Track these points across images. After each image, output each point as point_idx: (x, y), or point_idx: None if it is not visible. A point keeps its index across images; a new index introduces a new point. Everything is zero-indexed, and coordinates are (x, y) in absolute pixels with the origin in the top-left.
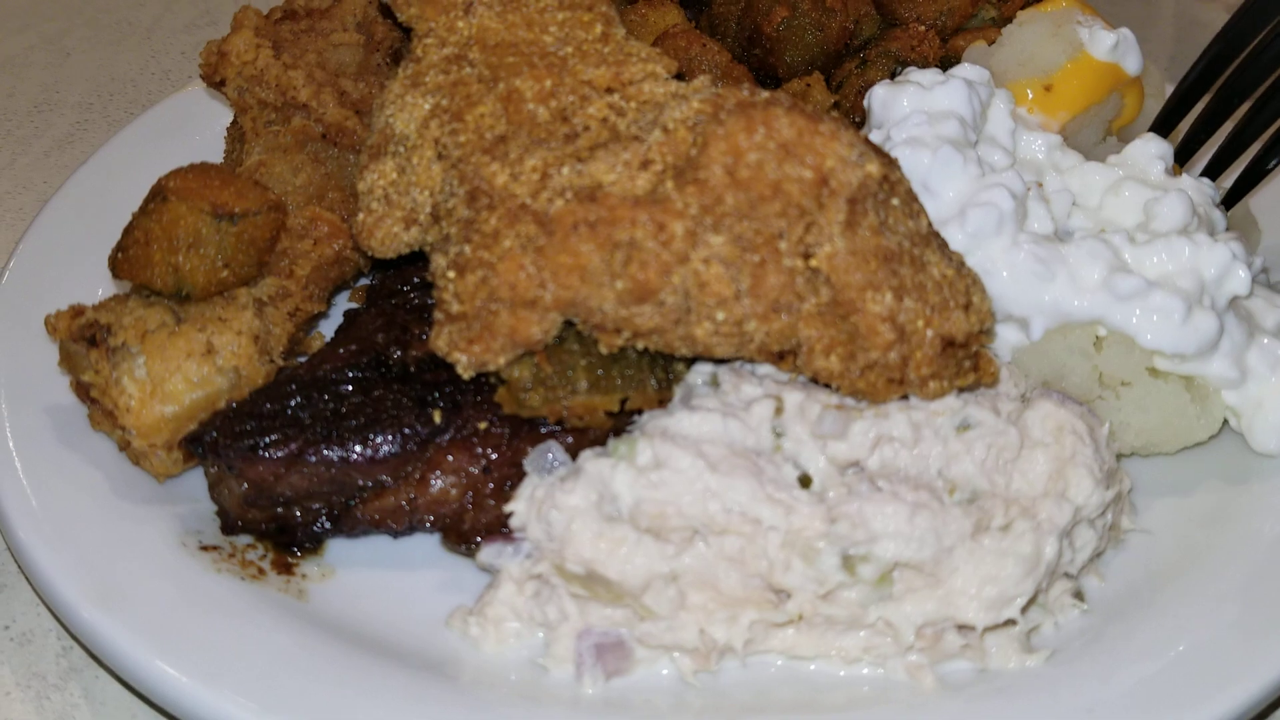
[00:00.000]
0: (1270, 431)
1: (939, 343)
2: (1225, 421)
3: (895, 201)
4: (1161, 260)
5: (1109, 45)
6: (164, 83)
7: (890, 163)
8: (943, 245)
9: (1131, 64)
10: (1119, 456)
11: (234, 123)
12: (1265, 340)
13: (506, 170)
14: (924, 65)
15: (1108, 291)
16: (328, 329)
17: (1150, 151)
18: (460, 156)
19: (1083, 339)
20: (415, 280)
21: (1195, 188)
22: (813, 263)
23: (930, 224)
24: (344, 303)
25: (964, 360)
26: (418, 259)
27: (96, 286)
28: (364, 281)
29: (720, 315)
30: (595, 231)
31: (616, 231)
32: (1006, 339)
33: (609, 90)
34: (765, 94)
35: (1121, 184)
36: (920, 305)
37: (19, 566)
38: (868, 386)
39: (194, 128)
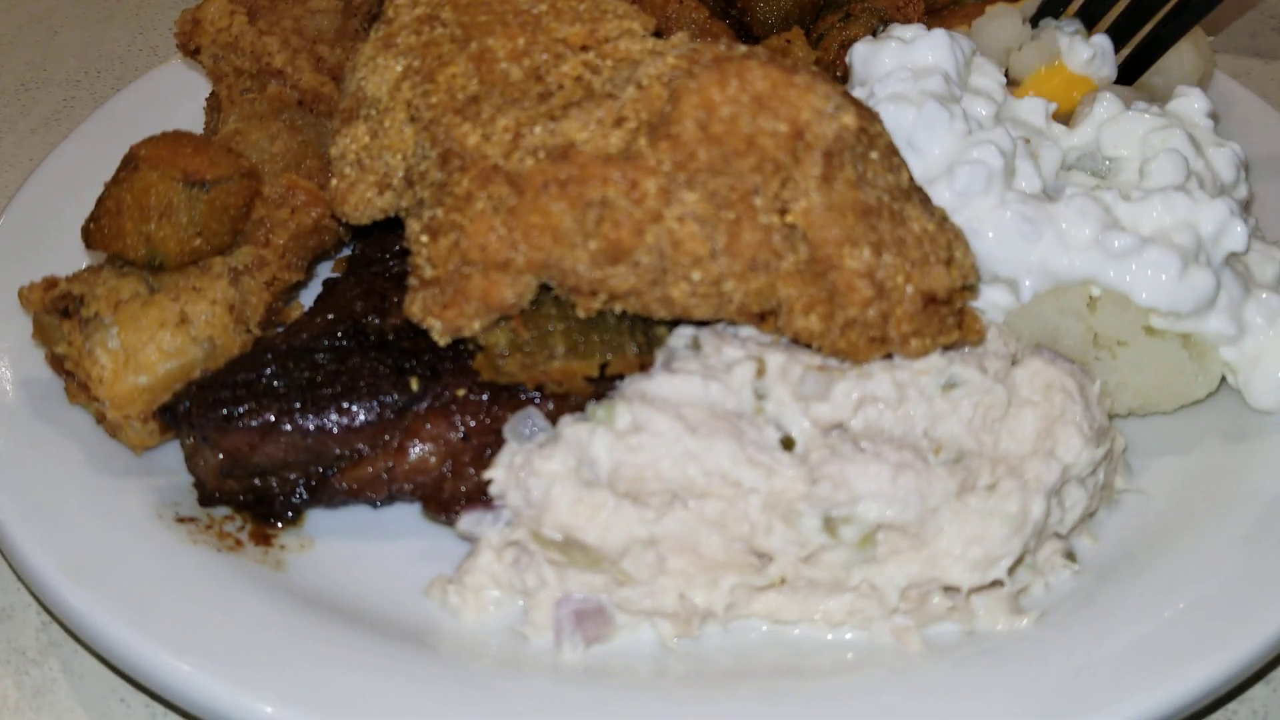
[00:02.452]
0: (1268, 387)
1: (919, 299)
2: (1223, 379)
3: (874, 155)
4: (1159, 215)
5: (1085, 58)
6: (151, 59)
7: (869, 115)
8: (924, 200)
9: (1105, 74)
10: (1114, 417)
11: (212, 93)
12: (1263, 295)
13: (478, 131)
14: (907, 23)
15: (1100, 249)
16: (308, 299)
17: (1195, 107)
18: (432, 118)
19: (1076, 300)
20: (396, 249)
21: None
22: (789, 219)
23: (911, 178)
24: (326, 273)
25: (947, 317)
26: (399, 227)
27: (76, 262)
28: (346, 252)
29: (696, 275)
30: (566, 190)
31: (588, 190)
32: (996, 302)
33: (584, 48)
34: (742, 48)
35: (1166, 133)
36: (900, 260)
37: None
38: (849, 346)
39: (175, 101)
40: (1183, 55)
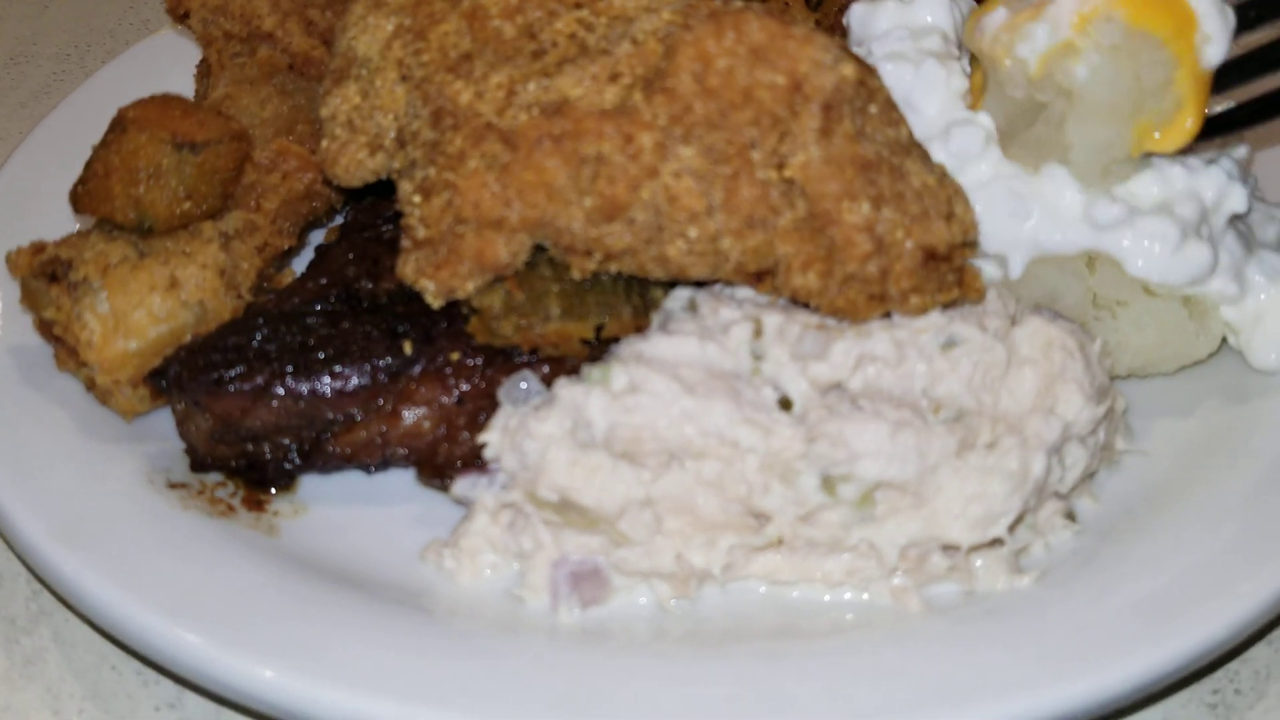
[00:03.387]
0: (1270, 346)
1: (919, 254)
2: (1224, 339)
3: (873, 109)
4: (1157, 190)
5: None
6: (142, 33)
7: (868, 69)
8: (924, 155)
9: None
10: (1115, 378)
11: (202, 60)
12: (1265, 255)
13: (471, 88)
14: None
15: (1088, 223)
16: (300, 266)
17: None
18: (424, 77)
19: (1074, 260)
20: (389, 213)
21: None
22: (787, 173)
23: (910, 133)
24: (319, 241)
25: (947, 274)
26: (392, 192)
27: (66, 229)
28: (340, 220)
29: (693, 232)
30: (561, 146)
31: (583, 145)
32: (987, 276)
33: (577, 4)
34: (739, 3)
35: None
36: (899, 215)
37: None
38: (847, 303)
39: (166, 71)
40: None
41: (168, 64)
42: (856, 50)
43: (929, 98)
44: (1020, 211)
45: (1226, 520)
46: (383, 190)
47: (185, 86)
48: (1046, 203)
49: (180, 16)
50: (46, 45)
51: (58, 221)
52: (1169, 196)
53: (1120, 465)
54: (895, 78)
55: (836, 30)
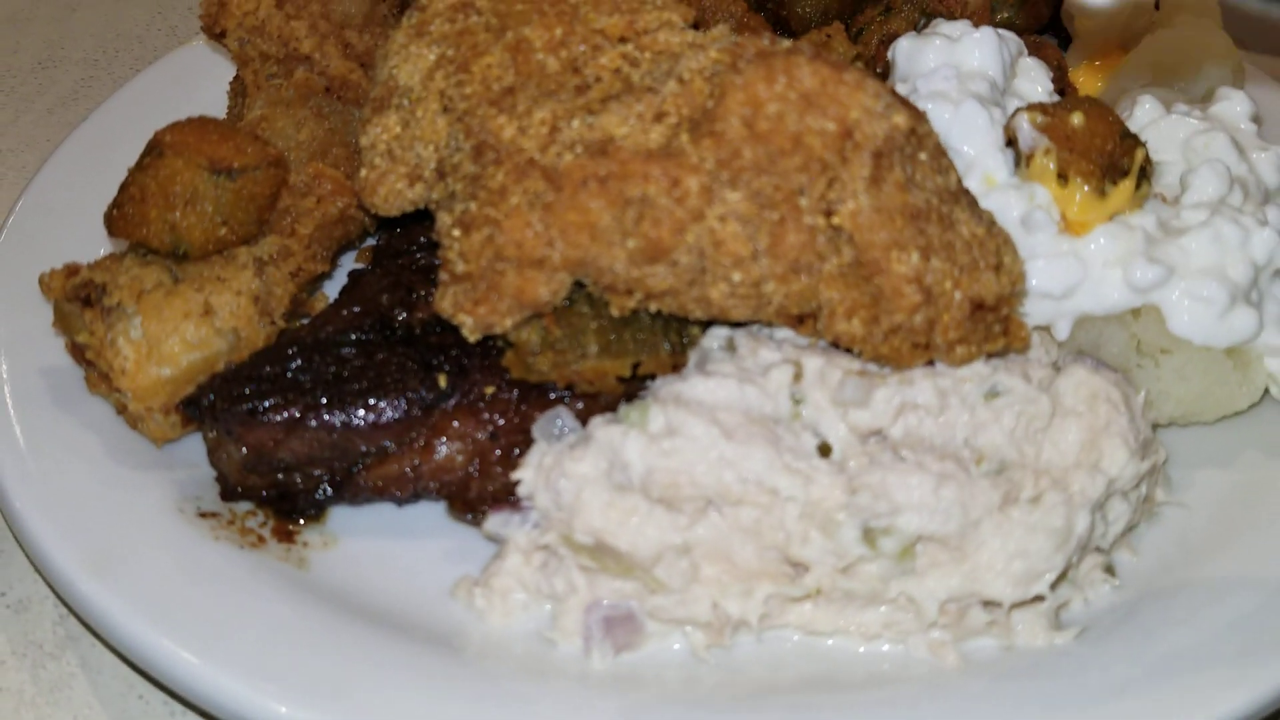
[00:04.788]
0: None
1: (968, 305)
2: (1266, 390)
3: (923, 156)
4: (1209, 249)
5: None
6: (170, 39)
7: (918, 115)
8: (973, 203)
9: None
10: (1156, 426)
11: (236, 77)
12: None
13: (514, 123)
14: (950, 19)
15: (1128, 287)
16: (332, 290)
17: (1237, 110)
18: (466, 109)
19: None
20: (422, 240)
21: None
22: (835, 220)
23: (960, 180)
24: (350, 264)
25: (993, 324)
26: (425, 218)
27: (96, 246)
28: (371, 242)
29: (737, 276)
30: (606, 187)
31: (628, 187)
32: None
33: (622, 39)
34: (787, 43)
35: (1208, 136)
36: (948, 266)
37: (13, 534)
38: (891, 351)
39: (197, 83)
40: (1215, 56)
41: (198, 75)
42: (901, 86)
43: (968, 141)
44: (1071, 290)
45: (1266, 575)
46: (415, 214)
47: (216, 98)
48: (1093, 275)
49: (216, 35)
50: (74, 50)
51: (88, 238)
52: (1222, 258)
53: (1159, 517)
54: (935, 117)
55: (878, 62)
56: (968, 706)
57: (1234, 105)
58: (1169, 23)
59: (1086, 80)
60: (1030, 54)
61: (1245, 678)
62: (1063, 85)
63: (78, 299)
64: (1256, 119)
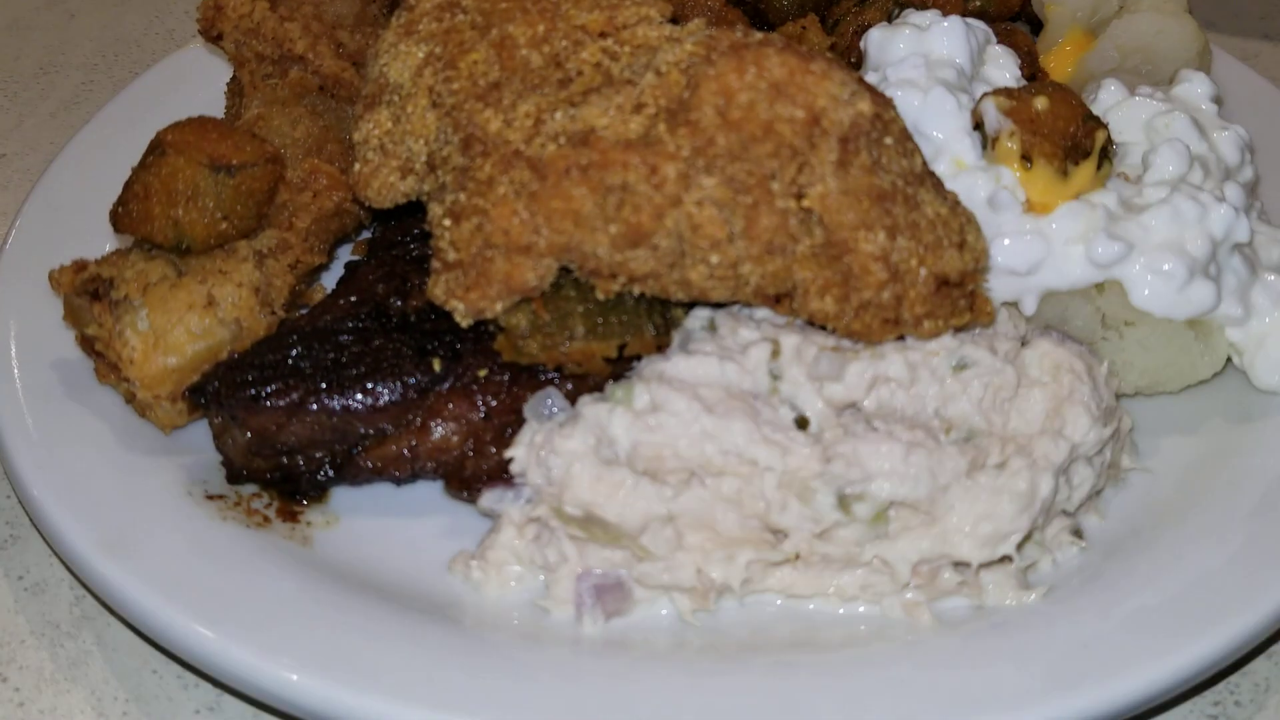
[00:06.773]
0: (1272, 368)
1: (933, 281)
2: (1229, 359)
3: (888, 140)
4: (1168, 225)
5: None
6: (168, 42)
7: (884, 101)
8: (937, 184)
9: None
10: (1121, 396)
11: (233, 78)
12: (1269, 277)
13: (500, 116)
14: (923, 8)
15: (1090, 263)
16: (330, 281)
17: (1198, 91)
18: (454, 104)
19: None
20: (415, 231)
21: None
22: (805, 203)
23: (925, 163)
24: (346, 255)
25: (959, 299)
26: (418, 210)
27: (102, 243)
28: (366, 234)
29: (715, 258)
30: (588, 175)
31: (609, 175)
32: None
33: (602, 34)
34: (759, 35)
35: (1170, 117)
36: (913, 244)
37: (30, 519)
38: (863, 327)
39: (195, 85)
40: (1180, 40)
41: (196, 77)
42: (872, 75)
43: (936, 126)
44: (1035, 266)
45: (1229, 537)
46: (408, 208)
47: (214, 98)
48: (1056, 252)
49: (213, 38)
50: (74, 55)
51: (94, 235)
52: (1180, 235)
53: (1126, 483)
54: (904, 104)
55: (852, 52)
56: (941, 662)
57: (1195, 86)
58: (1136, 7)
59: (1056, 66)
60: (1001, 41)
61: (1205, 633)
62: (1033, 71)
63: (86, 293)
64: (1218, 99)
